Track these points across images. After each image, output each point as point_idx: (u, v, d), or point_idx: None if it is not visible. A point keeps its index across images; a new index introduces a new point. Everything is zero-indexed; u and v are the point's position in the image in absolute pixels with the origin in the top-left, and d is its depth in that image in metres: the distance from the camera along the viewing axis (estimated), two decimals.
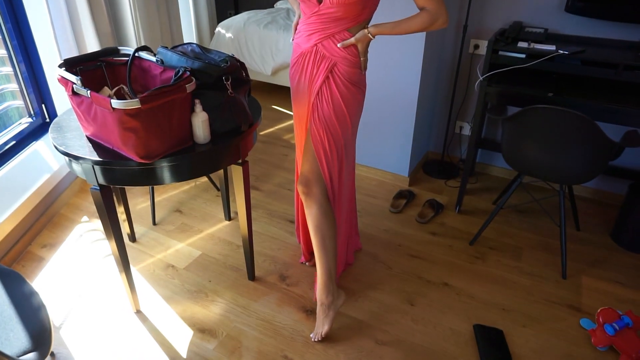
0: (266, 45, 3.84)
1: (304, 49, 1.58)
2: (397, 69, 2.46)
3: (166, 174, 1.47)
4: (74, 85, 1.39)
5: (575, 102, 2.02)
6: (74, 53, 2.48)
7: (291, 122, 3.62)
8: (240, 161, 1.69)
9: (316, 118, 1.59)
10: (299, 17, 1.65)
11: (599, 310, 1.80)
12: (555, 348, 1.74)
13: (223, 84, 1.54)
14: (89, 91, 1.34)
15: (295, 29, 1.69)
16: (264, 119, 3.65)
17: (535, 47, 2.21)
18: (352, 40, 1.51)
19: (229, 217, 2.42)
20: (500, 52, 2.26)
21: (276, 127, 3.52)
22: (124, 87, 1.61)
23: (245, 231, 1.89)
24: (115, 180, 1.48)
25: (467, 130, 2.89)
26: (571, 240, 2.32)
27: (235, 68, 1.57)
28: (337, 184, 1.68)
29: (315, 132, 1.60)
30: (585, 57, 2.13)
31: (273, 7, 4.75)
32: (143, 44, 3.28)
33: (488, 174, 2.93)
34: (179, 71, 1.45)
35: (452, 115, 2.86)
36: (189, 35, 4.47)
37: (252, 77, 4.12)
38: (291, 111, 3.80)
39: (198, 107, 1.47)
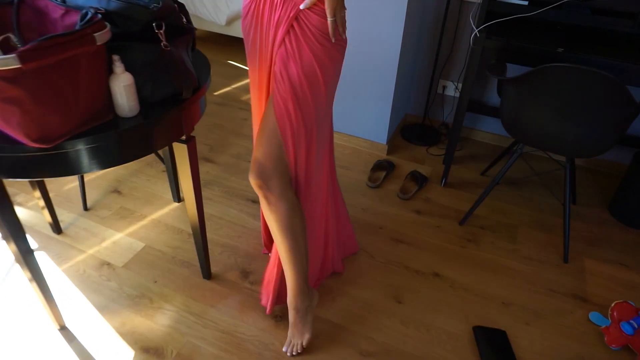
0: None
1: None
2: (375, 17, 2.06)
3: (79, 161, 1.06)
4: None
5: (590, 59, 1.70)
6: None
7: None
8: (184, 138, 1.28)
9: (280, 82, 1.17)
10: None
11: (613, 305, 1.57)
12: (564, 349, 1.51)
13: (154, 33, 1.11)
14: None
15: None
16: (219, 77, 3.17)
17: None
18: None
19: (177, 198, 2.02)
20: None
21: (232, 86, 3.07)
22: (11, 36, 1.15)
23: (195, 222, 1.51)
24: (3, 171, 1.05)
25: (451, 90, 2.55)
26: None
27: (171, 10, 1.14)
28: (303, 171, 1.29)
29: (280, 102, 1.18)
30: (596, 5, 1.80)
31: None
32: None
33: (472, 139, 2.63)
34: (86, 13, 1.01)
35: (436, 72, 2.50)
36: None
37: (203, 27, 3.59)
38: None
39: (118, 67, 1.04)
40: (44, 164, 1.04)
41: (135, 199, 2.03)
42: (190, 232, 1.87)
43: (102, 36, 0.96)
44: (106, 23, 1.00)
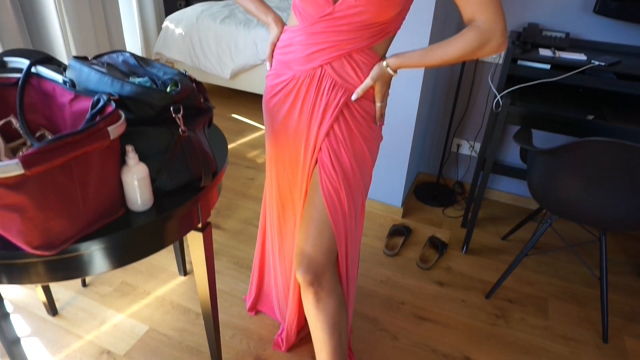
0: (223, 44, 3.28)
1: (299, 71, 1.07)
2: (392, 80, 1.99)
3: (84, 265, 0.93)
4: None
5: (622, 128, 1.63)
6: None
7: (257, 134, 3.08)
8: (200, 226, 1.16)
9: (330, 172, 1.09)
10: (281, 30, 1.13)
11: None
12: None
13: (171, 116, 1.01)
14: None
15: (273, 53, 1.16)
16: (223, 132, 3.09)
17: (561, 56, 1.81)
18: (369, 81, 1.03)
19: (184, 272, 1.88)
20: (520, 62, 1.85)
21: (238, 142, 2.98)
22: (13, 120, 1.05)
23: (207, 310, 1.37)
24: None
25: (466, 149, 2.48)
26: (597, 287, 1.95)
27: (190, 93, 1.05)
28: (350, 258, 1.19)
29: (332, 193, 1.10)
30: (620, 70, 1.75)
31: None
32: (71, 41, 2.65)
33: (488, 199, 2.53)
34: (99, 100, 0.91)
35: (450, 131, 2.43)
36: (131, 29, 3.82)
37: (207, 80, 3.55)
38: (256, 121, 3.26)
39: (132, 158, 0.93)
40: (45, 270, 0.91)
41: (138, 272, 1.89)
42: (198, 311, 1.72)
43: (116, 130, 0.86)
44: (121, 112, 0.90)
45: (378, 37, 1.02)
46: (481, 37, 0.96)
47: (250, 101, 3.56)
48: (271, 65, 1.16)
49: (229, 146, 2.92)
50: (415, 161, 2.48)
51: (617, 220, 1.54)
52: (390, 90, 2.03)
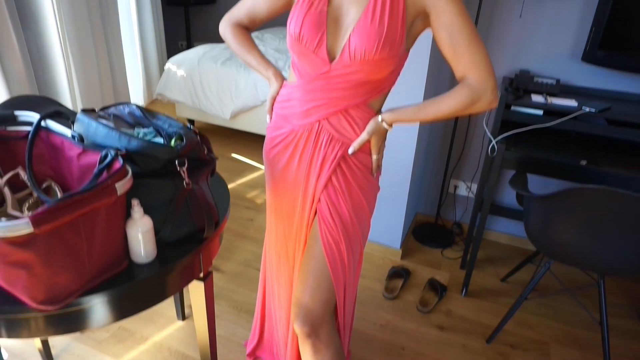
0: (224, 86, 3.36)
1: (297, 125, 1.11)
2: None
3: (86, 318, 0.94)
4: None
5: (614, 173, 1.67)
6: None
7: (256, 174, 3.12)
8: (201, 275, 1.17)
9: (330, 224, 1.12)
10: (280, 85, 1.17)
11: None
12: None
13: (175, 168, 1.04)
14: None
15: (273, 105, 1.20)
16: (223, 172, 3.13)
17: (553, 102, 1.87)
18: (365, 136, 1.07)
19: (182, 316, 1.86)
20: (513, 108, 1.90)
21: (237, 182, 3.01)
22: (21, 172, 1.07)
23: (207, 357, 1.35)
24: None
25: (462, 189, 2.51)
26: (598, 331, 1.94)
27: (195, 146, 1.08)
28: (348, 307, 1.20)
29: (332, 244, 1.11)
30: (610, 116, 1.81)
31: None
32: (75, 84, 2.71)
33: (487, 240, 2.54)
34: (106, 155, 0.94)
35: (447, 172, 2.47)
36: (134, 69, 3.91)
37: (207, 121, 3.62)
38: (255, 161, 3.30)
39: (137, 212, 0.95)
40: (46, 324, 0.91)
41: (136, 317, 1.87)
42: (197, 357, 1.69)
43: (123, 186, 0.88)
44: (128, 168, 0.92)
45: (373, 93, 1.06)
46: (473, 95, 1.00)
47: (250, 141, 3.61)
48: (271, 118, 1.20)
49: (229, 186, 2.95)
50: (414, 201, 2.50)
51: (614, 266, 1.55)
52: (387, 132, 2.08)
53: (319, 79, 1.04)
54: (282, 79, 1.19)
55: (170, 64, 3.55)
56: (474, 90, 1.01)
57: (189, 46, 5.00)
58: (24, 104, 1.65)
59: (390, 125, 1.08)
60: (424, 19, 1.03)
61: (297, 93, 1.09)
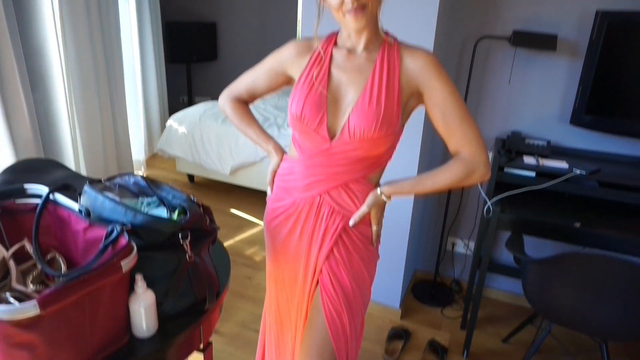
0: (224, 142, 3.44)
1: (298, 198, 1.15)
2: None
3: None
4: None
5: (608, 235, 1.70)
6: None
7: (255, 230, 3.13)
8: (201, 347, 1.17)
9: (332, 294, 1.13)
10: (281, 158, 1.22)
11: None
12: None
13: (178, 241, 1.06)
14: None
15: (273, 181, 1.25)
16: (222, 228, 3.13)
17: (544, 164, 1.93)
18: (365, 209, 1.11)
19: None
20: (506, 170, 1.96)
21: (236, 239, 3.02)
22: (27, 245, 1.09)
23: None
24: None
25: (460, 247, 2.53)
26: None
27: (198, 219, 1.11)
28: None
29: (334, 315, 1.13)
30: (600, 178, 1.86)
31: None
32: (79, 143, 2.78)
33: (487, 297, 2.53)
34: (112, 230, 0.97)
35: (445, 230, 2.49)
36: (136, 125, 4.00)
37: (207, 176, 3.67)
38: (254, 217, 3.32)
39: (140, 287, 0.97)
40: None
41: None
42: None
43: (129, 263, 0.90)
44: (133, 244, 0.95)
45: (372, 168, 1.11)
46: (466, 169, 1.06)
47: (249, 196, 3.65)
48: (272, 191, 1.24)
49: (227, 243, 2.95)
50: (412, 259, 2.51)
51: (614, 330, 1.55)
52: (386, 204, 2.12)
53: (319, 155, 1.09)
54: (282, 152, 1.23)
55: (172, 121, 3.65)
56: (467, 165, 1.06)
57: (190, 100, 5.16)
58: (30, 168, 1.69)
59: (389, 197, 1.12)
60: (417, 97, 1.10)
61: (298, 167, 1.14)
